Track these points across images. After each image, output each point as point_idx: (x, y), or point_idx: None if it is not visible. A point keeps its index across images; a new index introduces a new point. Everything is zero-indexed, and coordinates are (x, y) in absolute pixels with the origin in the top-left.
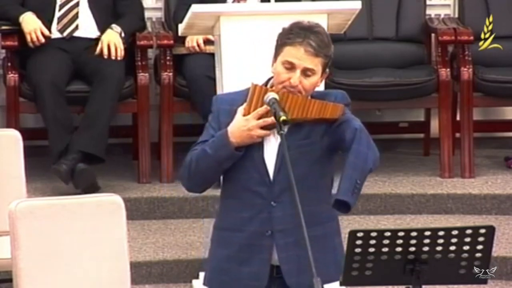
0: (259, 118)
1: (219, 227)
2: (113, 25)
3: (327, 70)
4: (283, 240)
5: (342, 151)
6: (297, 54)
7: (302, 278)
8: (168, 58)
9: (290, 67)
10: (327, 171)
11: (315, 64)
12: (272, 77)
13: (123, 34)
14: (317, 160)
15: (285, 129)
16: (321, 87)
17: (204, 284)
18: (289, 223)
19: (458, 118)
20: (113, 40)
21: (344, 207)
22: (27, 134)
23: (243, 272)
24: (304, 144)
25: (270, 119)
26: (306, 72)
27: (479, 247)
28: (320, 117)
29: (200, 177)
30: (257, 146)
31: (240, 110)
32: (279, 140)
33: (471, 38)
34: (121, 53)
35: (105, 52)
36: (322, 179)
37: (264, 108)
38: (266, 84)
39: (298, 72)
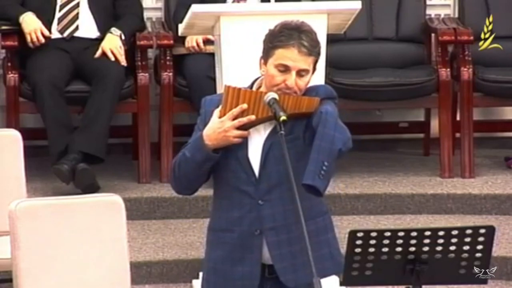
0: (234, 119)
1: (212, 228)
2: (113, 29)
3: (316, 67)
4: (274, 238)
5: None
6: (291, 56)
7: (299, 275)
8: (168, 58)
9: (285, 69)
10: None
11: (309, 63)
12: (257, 79)
13: (123, 37)
14: (302, 155)
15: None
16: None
17: (201, 285)
18: (279, 221)
19: (458, 118)
20: (113, 47)
21: (315, 191)
22: (27, 134)
23: (236, 272)
24: (288, 140)
25: (246, 119)
26: (300, 73)
27: (479, 247)
28: (296, 112)
29: (185, 180)
30: (241, 145)
31: (216, 112)
32: (264, 138)
33: (471, 38)
34: (122, 58)
35: (110, 56)
36: None
37: (239, 108)
38: (251, 85)
39: (293, 73)
